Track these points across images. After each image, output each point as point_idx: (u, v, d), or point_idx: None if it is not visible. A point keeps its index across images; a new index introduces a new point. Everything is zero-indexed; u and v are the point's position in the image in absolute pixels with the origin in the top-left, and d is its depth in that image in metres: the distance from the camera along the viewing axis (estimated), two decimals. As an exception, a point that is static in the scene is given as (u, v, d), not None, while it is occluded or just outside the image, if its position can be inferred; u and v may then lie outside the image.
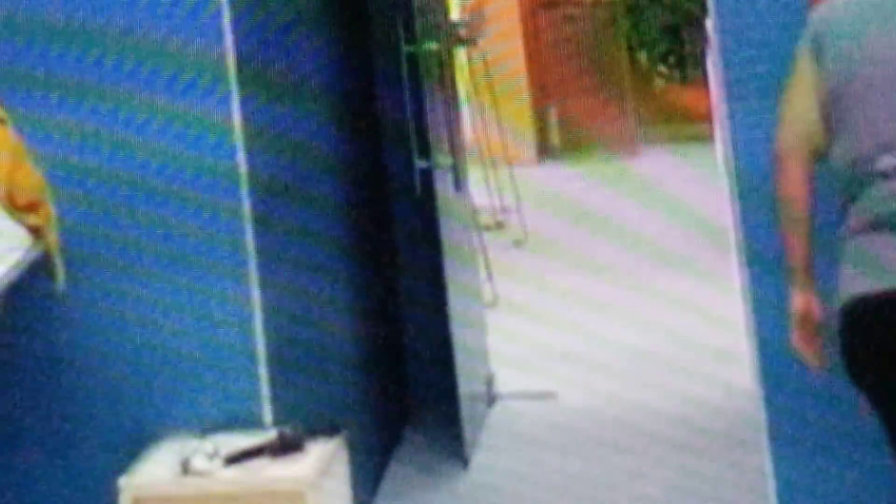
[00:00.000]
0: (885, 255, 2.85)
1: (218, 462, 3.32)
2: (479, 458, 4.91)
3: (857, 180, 2.90)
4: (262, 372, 3.57)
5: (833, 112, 2.95)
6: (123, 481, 3.36)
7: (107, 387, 3.66)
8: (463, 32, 7.89)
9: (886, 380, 2.88)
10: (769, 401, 3.55)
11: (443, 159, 5.08)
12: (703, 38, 5.74)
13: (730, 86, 3.48)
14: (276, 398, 3.59)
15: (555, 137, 11.56)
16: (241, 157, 3.56)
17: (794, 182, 3.03)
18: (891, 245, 2.85)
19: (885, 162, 2.85)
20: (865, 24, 2.94)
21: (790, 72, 3.08)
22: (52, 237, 3.46)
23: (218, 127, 3.55)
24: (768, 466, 3.57)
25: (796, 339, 3.10)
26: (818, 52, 2.99)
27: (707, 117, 6.30)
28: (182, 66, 3.55)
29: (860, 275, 2.88)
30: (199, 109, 3.55)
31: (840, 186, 2.96)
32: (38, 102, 3.61)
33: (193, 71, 3.55)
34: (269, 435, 3.41)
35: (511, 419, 5.32)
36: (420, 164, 5.02)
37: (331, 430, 3.49)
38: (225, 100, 3.55)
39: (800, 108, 3.03)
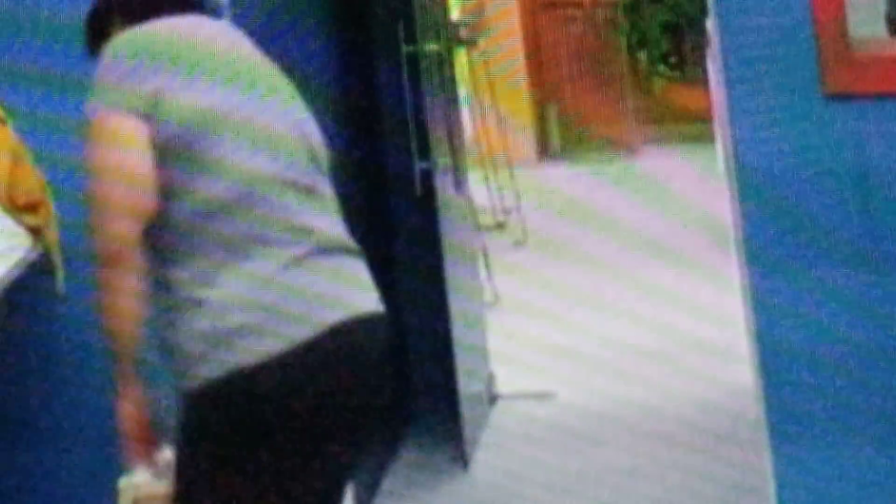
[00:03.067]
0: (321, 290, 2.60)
1: (218, 462, 3.31)
2: (479, 458, 4.91)
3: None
4: (263, 372, 3.57)
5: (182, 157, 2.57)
6: (123, 481, 3.35)
7: (107, 387, 3.66)
8: (463, 32, 7.89)
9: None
10: (769, 400, 3.55)
11: (443, 159, 5.08)
12: (703, 38, 5.74)
13: (730, 86, 3.48)
14: (276, 398, 3.58)
15: (555, 137, 11.56)
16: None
17: (129, 306, 2.58)
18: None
19: None
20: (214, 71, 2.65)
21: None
22: (52, 237, 3.46)
23: (218, 127, 3.55)
24: (768, 465, 3.57)
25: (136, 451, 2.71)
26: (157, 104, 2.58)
27: (707, 117, 6.30)
28: (182, 66, 3.55)
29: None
30: (200, 109, 3.55)
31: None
32: (38, 102, 3.61)
33: (193, 71, 3.55)
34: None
35: (511, 419, 5.32)
36: (420, 164, 5.02)
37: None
38: (225, 100, 3.55)
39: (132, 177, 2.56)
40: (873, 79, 3.43)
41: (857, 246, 3.40)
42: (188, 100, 2.58)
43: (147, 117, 2.57)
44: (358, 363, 2.60)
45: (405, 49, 5.09)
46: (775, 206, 3.38)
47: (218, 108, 2.60)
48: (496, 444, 5.06)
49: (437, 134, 5.06)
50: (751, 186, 3.48)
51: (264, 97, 2.68)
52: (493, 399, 5.47)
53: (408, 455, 5.03)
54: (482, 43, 8.52)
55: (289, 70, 2.87)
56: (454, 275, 5.01)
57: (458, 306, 4.99)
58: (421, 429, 5.28)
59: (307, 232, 2.61)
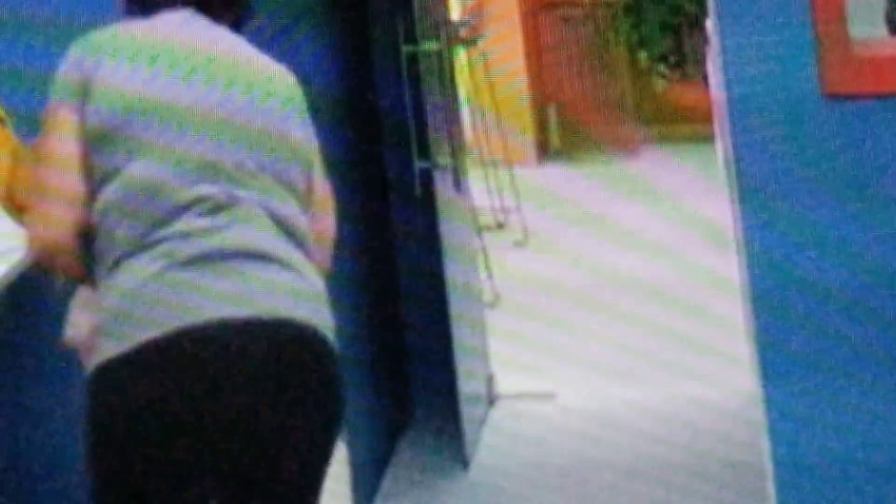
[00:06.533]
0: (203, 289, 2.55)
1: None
2: (479, 458, 4.91)
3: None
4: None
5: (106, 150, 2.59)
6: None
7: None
8: (463, 33, 7.89)
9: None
10: (769, 402, 3.54)
11: (443, 160, 5.07)
12: (703, 38, 5.74)
13: (730, 86, 3.48)
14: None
15: (555, 138, 11.56)
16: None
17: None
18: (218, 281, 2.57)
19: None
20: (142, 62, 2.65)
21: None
22: (52, 237, 3.45)
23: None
24: (769, 468, 3.57)
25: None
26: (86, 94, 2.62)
27: (707, 117, 6.29)
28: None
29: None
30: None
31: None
32: (38, 102, 3.61)
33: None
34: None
35: (511, 419, 5.32)
36: (420, 164, 5.02)
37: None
38: (225, 100, 3.54)
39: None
40: (873, 79, 3.43)
41: (857, 246, 3.40)
42: (117, 86, 2.61)
43: (78, 105, 2.62)
44: (220, 367, 2.53)
45: (405, 49, 5.10)
46: (775, 207, 3.38)
47: (147, 95, 2.61)
48: (496, 445, 5.06)
49: (437, 134, 5.06)
50: (751, 186, 3.48)
51: (209, 87, 2.65)
52: (493, 399, 5.47)
53: (408, 455, 5.03)
54: (482, 43, 8.51)
55: (288, 70, 2.87)
56: (454, 275, 5.01)
57: (457, 307, 4.99)
58: (421, 429, 5.28)
59: (205, 234, 2.58)
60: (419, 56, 5.05)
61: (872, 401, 3.43)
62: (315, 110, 2.88)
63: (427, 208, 5.06)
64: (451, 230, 5.09)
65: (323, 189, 2.84)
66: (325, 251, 2.89)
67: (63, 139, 2.62)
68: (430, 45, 5.12)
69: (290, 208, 2.67)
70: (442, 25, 5.40)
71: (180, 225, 2.55)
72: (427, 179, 5.02)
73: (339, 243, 3.06)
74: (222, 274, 2.56)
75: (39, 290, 3.45)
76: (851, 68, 3.42)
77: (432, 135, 5.01)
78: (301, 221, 2.70)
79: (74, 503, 3.67)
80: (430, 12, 5.18)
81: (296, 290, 2.65)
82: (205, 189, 2.58)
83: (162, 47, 2.69)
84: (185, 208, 2.56)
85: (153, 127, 2.58)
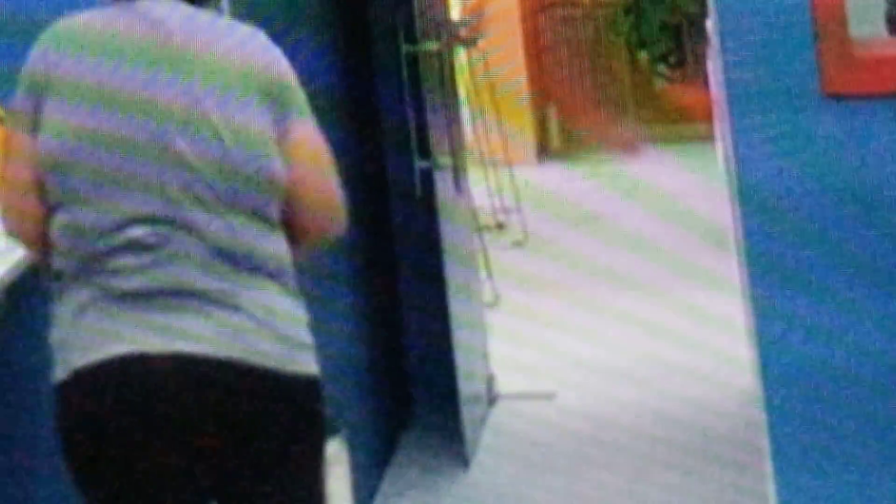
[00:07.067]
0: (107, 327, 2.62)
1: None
2: (479, 458, 4.91)
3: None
4: (262, 372, 3.56)
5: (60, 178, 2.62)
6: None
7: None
8: (463, 33, 7.89)
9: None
10: (770, 403, 3.54)
11: (443, 160, 5.07)
12: (703, 38, 5.73)
13: (730, 86, 3.48)
14: (275, 398, 3.58)
15: (555, 138, 11.55)
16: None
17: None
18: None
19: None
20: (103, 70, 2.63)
21: None
22: (52, 237, 3.45)
23: (218, 127, 3.54)
24: (769, 469, 3.57)
25: None
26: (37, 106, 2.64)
27: (707, 117, 6.29)
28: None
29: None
30: (199, 109, 3.54)
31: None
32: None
33: (193, 71, 3.54)
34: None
35: (511, 419, 5.32)
36: (420, 164, 5.02)
37: (331, 430, 3.49)
38: (225, 100, 3.54)
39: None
40: (873, 79, 3.43)
41: (857, 248, 3.39)
42: (62, 119, 2.62)
43: (35, 98, 2.66)
44: (143, 397, 2.60)
45: (405, 49, 5.09)
46: (775, 207, 3.38)
47: (89, 130, 2.61)
48: (496, 445, 5.06)
49: (437, 134, 5.06)
50: (751, 187, 3.48)
51: (151, 73, 2.62)
52: (493, 399, 5.47)
53: (408, 455, 5.03)
54: (482, 44, 8.51)
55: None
56: (454, 275, 5.01)
57: (457, 307, 4.99)
58: (421, 429, 5.28)
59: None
60: (419, 56, 5.05)
61: (873, 401, 3.43)
62: (315, 110, 2.87)
63: (427, 208, 5.06)
64: (451, 230, 5.09)
65: (305, 137, 2.72)
66: (320, 212, 2.76)
67: (17, 129, 2.69)
68: (430, 45, 5.12)
69: (237, 233, 2.61)
70: (442, 25, 5.40)
71: (112, 264, 2.59)
72: (427, 179, 5.02)
73: (339, 243, 3.05)
74: (147, 310, 2.59)
75: (39, 290, 3.45)
76: (851, 68, 3.41)
77: (432, 135, 5.00)
78: (256, 244, 2.62)
79: (73, 502, 3.67)
80: (430, 12, 5.18)
81: (221, 325, 2.60)
82: (134, 232, 2.58)
83: (114, 50, 2.64)
84: (115, 249, 2.59)
85: (88, 171, 2.59)
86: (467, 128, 7.48)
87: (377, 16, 5.35)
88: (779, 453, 3.54)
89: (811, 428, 3.50)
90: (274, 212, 2.65)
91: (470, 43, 8.02)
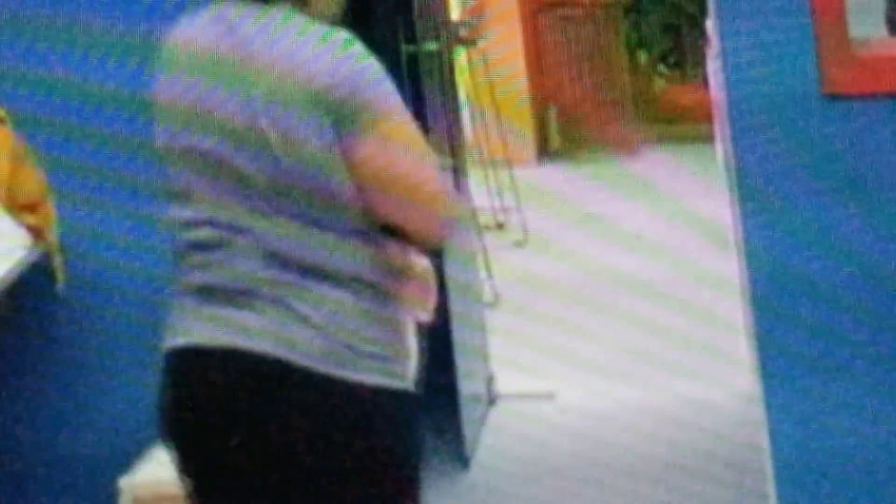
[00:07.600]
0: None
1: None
2: (479, 458, 4.91)
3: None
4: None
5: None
6: (123, 481, 3.36)
7: (107, 387, 3.66)
8: (463, 33, 7.89)
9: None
10: (769, 402, 3.55)
11: (443, 160, 5.07)
12: (703, 38, 5.74)
13: (730, 86, 3.48)
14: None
15: (555, 138, 11.56)
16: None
17: None
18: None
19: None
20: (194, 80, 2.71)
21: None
22: (52, 237, 3.46)
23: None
24: (769, 468, 3.57)
25: None
26: None
27: (707, 117, 6.29)
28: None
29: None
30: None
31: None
32: (38, 102, 3.61)
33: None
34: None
35: (511, 419, 5.32)
36: (420, 164, 5.01)
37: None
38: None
39: None
40: (873, 79, 3.43)
41: (857, 246, 3.40)
42: (158, 96, 2.77)
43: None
44: (199, 387, 2.69)
45: (405, 49, 5.09)
46: (775, 207, 3.38)
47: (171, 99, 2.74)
48: (496, 445, 5.06)
49: (437, 134, 5.06)
50: (751, 187, 3.48)
51: (210, 85, 2.68)
52: (493, 399, 5.47)
53: (408, 455, 5.03)
54: (482, 44, 8.51)
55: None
56: (454, 275, 5.01)
57: (458, 307, 4.99)
58: (421, 429, 5.27)
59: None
60: (419, 56, 5.05)
61: (872, 400, 3.43)
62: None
63: (427, 208, 5.05)
64: (452, 230, 5.08)
65: (370, 154, 2.69)
66: (409, 225, 2.81)
67: None
68: (430, 46, 5.12)
69: (295, 242, 2.63)
70: (442, 26, 5.40)
71: (188, 259, 2.70)
72: (427, 180, 5.01)
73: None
74: (213, 304, 2.66)
75: (39, 290, 3.45)
76: (851, 68, 3.42)
77: (432, 135, 5.00)
78: (319, 252, 2.65)
79: (74, 502, 3.67)
80: (430, 12, 5.18)
81: (271, 322, 2.63)
82: (201, 233, 2.67)
83: (192, 67, 2.72)
84: (189, 247, 2.70)
85: (173, 178, 2.75)
86: (468, 128, 7.48)
87: (377, 16, 5.36)
88: (779, 453, 3.54)
89: (811, 427, 3.51)
90: (343, 222, 2.65)
91: (470, 43, 8.02)
